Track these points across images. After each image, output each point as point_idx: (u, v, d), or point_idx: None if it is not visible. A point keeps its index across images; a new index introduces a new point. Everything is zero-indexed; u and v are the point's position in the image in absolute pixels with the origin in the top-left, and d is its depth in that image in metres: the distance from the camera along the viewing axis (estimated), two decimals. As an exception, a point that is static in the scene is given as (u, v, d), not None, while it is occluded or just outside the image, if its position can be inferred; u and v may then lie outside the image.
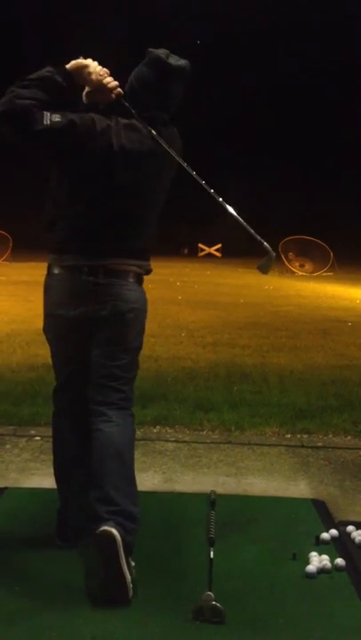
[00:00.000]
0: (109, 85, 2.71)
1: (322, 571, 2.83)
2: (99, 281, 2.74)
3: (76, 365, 2.90)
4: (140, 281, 2.85)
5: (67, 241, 2.78)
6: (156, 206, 2.88)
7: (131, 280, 2.79)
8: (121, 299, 2.75)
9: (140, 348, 2.90)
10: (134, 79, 2.79)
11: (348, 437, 4.74)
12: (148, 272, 2.91)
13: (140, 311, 2.84)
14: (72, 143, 2.64)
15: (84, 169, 2.70)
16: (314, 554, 2.93)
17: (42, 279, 2.90)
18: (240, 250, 26.50)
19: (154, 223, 2.89)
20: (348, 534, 3.17)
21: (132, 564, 2.61)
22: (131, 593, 2.53)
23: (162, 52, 2.75)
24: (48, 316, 2.87)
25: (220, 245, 27.69)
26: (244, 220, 2.81)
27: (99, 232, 2.75)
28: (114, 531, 2.49)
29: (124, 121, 2.74)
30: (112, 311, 2.74)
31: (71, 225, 2.76)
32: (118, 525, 2.52)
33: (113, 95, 2.72)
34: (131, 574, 2.54)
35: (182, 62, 2.76)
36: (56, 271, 2.82)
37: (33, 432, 4.56)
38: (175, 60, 2.75)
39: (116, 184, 2.72)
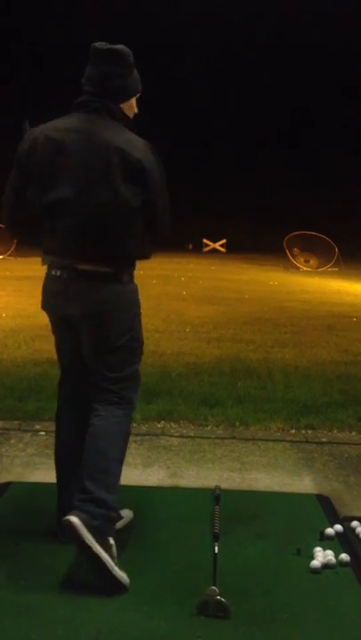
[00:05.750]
0: None
1: (326, 566, 2.84)
2: (68, 282, 2.78)
3: (73, 357, 2.96)
4: (117, 280, 2.79)
5: (46, 241, 2.85)
6: (111, 208, 2.72)
7: (101, 281, 2.77)
8: (91, 299, 2.77)
9: (129, 346, 2.85)
10: (83, 80, 2.85)
11: (353, 433, 4.73)
12: (119, 273, 2.80)
13: (119, 311, 2.80)
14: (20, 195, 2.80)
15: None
16: (318, 549, 2.93)
17: (46, 274, 2.95)
18: (245, 245, 26.57)
19: (122, 227, 2.75)
20: (353, 530, 3.17)
21: (112, 542, 2.61)
22: (115, 571, 2.55)
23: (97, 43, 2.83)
24: (42, 309, 2.98)
25: (224, 241, 27.64)
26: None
27: (65, 233, 2.76)
28: (72, 518, 2.55)
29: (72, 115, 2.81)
30: (83, 312, 2.78)
31: (46, 225, 2.80)
32: (82, 512, 2.57)
33: None
34: (109, 553, 2.57)
35: (116, 46, 2.80)
36: (45, 270, 2.92)
37: (38, 427, 4.57)
38: (105, 45, 2.80)
39: (57, 177, 2.73)
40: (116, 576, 2.57)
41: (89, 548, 2.53)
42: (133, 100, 2.90)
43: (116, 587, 2.57)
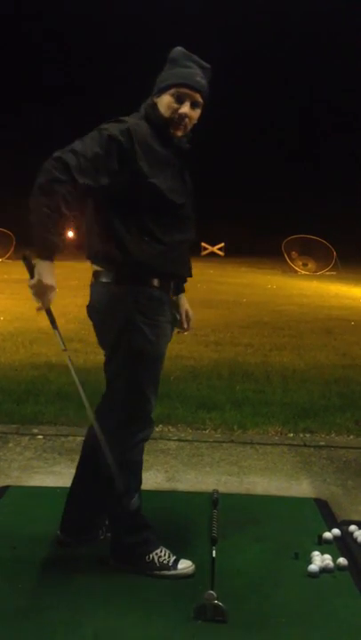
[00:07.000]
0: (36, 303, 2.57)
1: (324, 570, 2.84)
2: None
3: None
4: (107, 279, 2.68)
5: None
6: (88, 211, 2.76)
7: (96, 279, 2.73)
8: (91, 298, 2.80)
9: (120, 353, 2.71)
10: None
11: (351, 437, 4.73)
12: (107, 272, 2.70)
13: (104, 311, 2.71)
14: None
15: None
16: (316, 553, 2.93)
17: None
18: (243, 249, 26.61)
19: (95, 228, 2.71)
20: (351, 533, 3.17)
21: (150, 557, 2.78)
22: (163, 573, 2.75)
23: None
24: None
25: (222, 244, 27.69)
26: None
27: None
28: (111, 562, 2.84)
29: None
30: (89, 309, 2.83)
31: None
32: (110, 553, 2.85)
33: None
34: (149, 565, 2.76)
35: None
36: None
37: (35, 430, 4.56)
38: None
39: None
40: (164, 575, 2.74)
41: (131, 570, 2.79)
42: (167, 96, 2.71)
43: (181, 578, 2.75)
